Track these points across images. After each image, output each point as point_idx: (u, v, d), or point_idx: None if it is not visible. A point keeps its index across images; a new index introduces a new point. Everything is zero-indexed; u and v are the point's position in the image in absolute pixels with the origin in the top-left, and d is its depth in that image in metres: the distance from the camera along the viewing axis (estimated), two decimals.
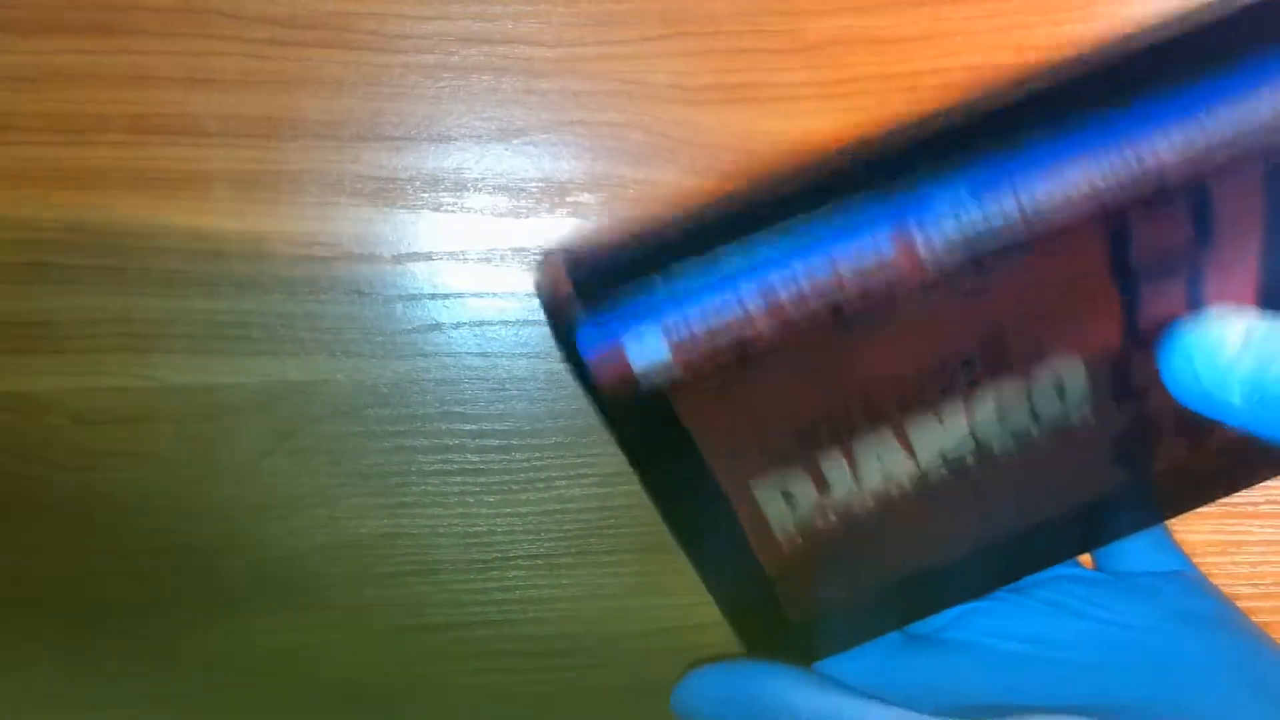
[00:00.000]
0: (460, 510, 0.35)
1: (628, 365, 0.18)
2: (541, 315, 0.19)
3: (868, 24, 0.33)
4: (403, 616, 0.36)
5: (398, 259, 0.34)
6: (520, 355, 0.34)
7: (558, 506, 0.35)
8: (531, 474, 0.35)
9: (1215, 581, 0.35)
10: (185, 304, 0.33)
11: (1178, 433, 0.25)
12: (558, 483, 0.35)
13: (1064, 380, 0.22)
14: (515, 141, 0.33)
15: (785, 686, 0.25)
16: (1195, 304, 0.21)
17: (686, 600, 0.36)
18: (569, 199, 0.34)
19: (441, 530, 0.35)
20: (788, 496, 0.22)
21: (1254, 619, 0.32)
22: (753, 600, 0.26)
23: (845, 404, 0.20)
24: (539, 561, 0.36)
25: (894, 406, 0.21)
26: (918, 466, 0.22)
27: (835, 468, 0.22)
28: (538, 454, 0.35)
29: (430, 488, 0.35)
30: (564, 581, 0.36)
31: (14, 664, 0.36)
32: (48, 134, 0.32)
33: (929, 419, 0.21)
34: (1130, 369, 0.22)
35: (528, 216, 0.34)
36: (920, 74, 0.33)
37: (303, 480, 0.35)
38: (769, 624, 0.27)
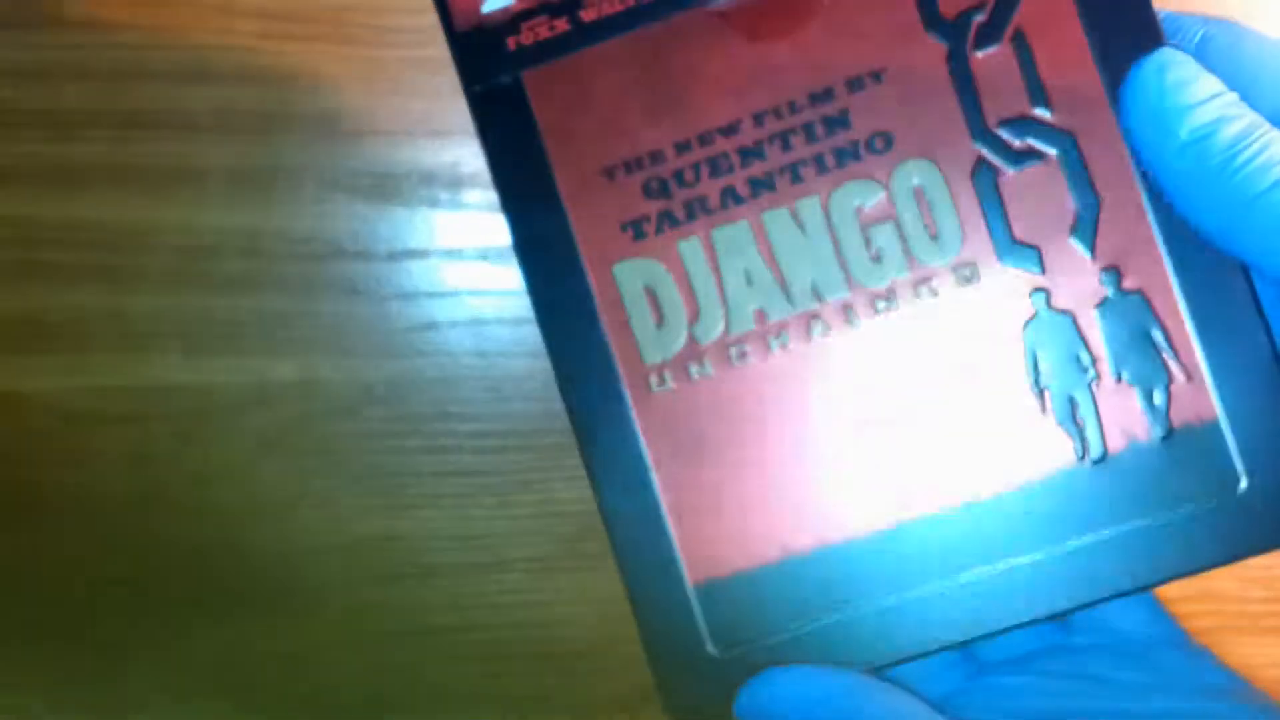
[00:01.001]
0: (457, 512, 0.35)
1: None
2: None
3: None
4: (400, 619, 0.36)
5: (393, 256, 0.33)
6: (518, 354, 0.34)
7: (556, 509, 0.35)
8: (529, 475, 0.35)
9: (1226, 583, 0.34)
10: (179, 302, 0.33)
11: (1117, 363, 0.21)
12: (555, 484, 0.35)
13: (921, 186, 0.21)
14: None
15: (897, 710, 0.20)
16: (1036, 91, 0.21)
17: None
18: None
19: (438, 532, 0.35)
20: (652, 296, 0.22)
21: (1267, 623, 0.32)
22: (629, 479, 0.23)
23: (685, 135, 0.21)
24: (536, 564, 0.36)
25: (738, 170, 0.21)
26: (789, 300, 0.21)
27: (697, 264, 0.21)
28: (535, 455, 0.35)
29: (427, 489, 0.35)
30: (562, 584, 0.36)
31: (7, 665, 0.36)
32: (40, 129, 0.32)
33: (784, 213, 0.21)
34: (999, 188, 0.21)
35: None
36: None
37: (299, 481, 0.35)
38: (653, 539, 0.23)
